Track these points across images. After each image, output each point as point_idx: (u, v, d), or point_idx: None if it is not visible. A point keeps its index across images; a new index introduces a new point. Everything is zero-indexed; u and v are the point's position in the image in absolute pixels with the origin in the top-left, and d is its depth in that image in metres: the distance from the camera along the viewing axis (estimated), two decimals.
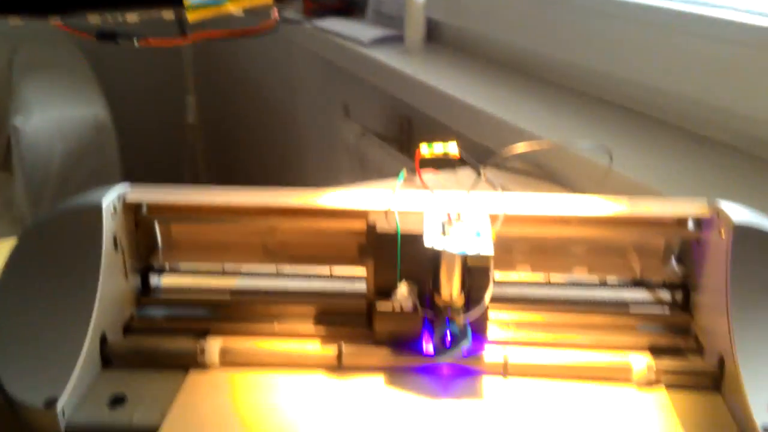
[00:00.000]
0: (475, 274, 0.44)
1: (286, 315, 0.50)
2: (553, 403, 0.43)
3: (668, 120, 0.82)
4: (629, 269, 0.51)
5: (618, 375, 0.44)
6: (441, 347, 0.43)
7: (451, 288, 0.44)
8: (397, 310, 0.44)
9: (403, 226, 0.44)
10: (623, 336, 0.48)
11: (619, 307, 0.51)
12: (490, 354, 0.45)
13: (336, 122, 1.36)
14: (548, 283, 0.52)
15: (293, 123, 1.44)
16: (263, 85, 1.46)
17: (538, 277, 0.52)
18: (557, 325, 0.49)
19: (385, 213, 0.45)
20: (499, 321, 0.49)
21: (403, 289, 0.44)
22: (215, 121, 1.43)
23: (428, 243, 0.42)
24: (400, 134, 1.22)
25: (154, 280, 0.54)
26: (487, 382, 0.45)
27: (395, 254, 0.44)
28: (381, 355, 0.46)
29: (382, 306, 0.45)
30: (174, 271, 0.54)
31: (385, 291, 0.45)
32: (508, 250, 0.52)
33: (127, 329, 0.49)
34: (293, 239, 0.53)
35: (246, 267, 0.54)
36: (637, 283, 0.52)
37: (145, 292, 0.52)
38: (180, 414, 0.42)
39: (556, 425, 0.41)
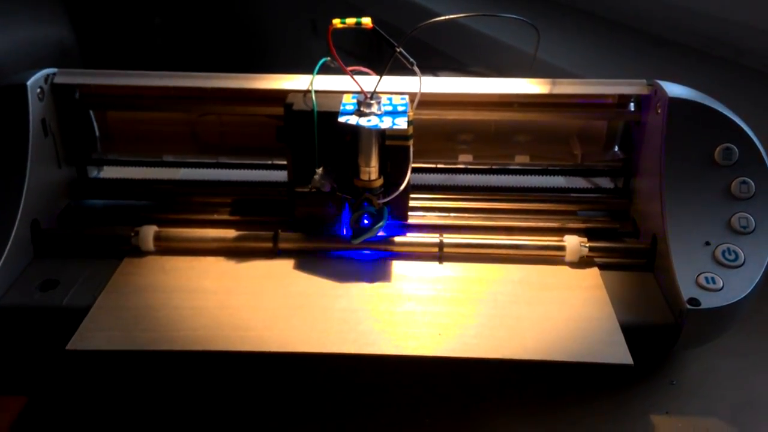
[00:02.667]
0: (393, 155, 0.43)
1: (223, 204, 0.50)
2: (483, 283, 0.43)
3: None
4: (572, 156, 0.51)
5: (552, 255, 0.44)
6: (357, 230, 0.43)
7: (369, 169, 0.43)
8: (314, 191, 0.43)
9: (321, 106, 0.43)
10: (561, 220, 0.48)
11: (561, 194, 0.50)
12: (425, 238, 0.45)
13: (303, 40, 1.33)
14: (491, 170, 0.52)
15: (260, 43, 1.42)
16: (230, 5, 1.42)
17: (481, 165, 0.52)
18: (497, 211, 0.49)
19: (303, 93, 0.44)
20: (437, 207, 0.49)
21: (320, 171, 0.43)
22: (183, 41, 1.41)
23: (342, 119, 0.41)
24: (370, 51, 1.20)
25: (94, 173, 0.53)
26: (422, 266, 0.44)
27: (313, 135, 0.43)
28: (296, 238, 0.45)
29: (301, 188, 0.44)
30: (113, 163, 0.53)
31: (307, 178, 0.44)
32: (451, 138, 0.51)
33: (63, 219, 0.48)
34: (227, 129, 0.52)
35: (186, 158, 0.53)
36: (580, 171, 0.52)
37: (83, 184, 0.51)
38: (112, 296, 0.42)
39: (480, 300, 0.41)
